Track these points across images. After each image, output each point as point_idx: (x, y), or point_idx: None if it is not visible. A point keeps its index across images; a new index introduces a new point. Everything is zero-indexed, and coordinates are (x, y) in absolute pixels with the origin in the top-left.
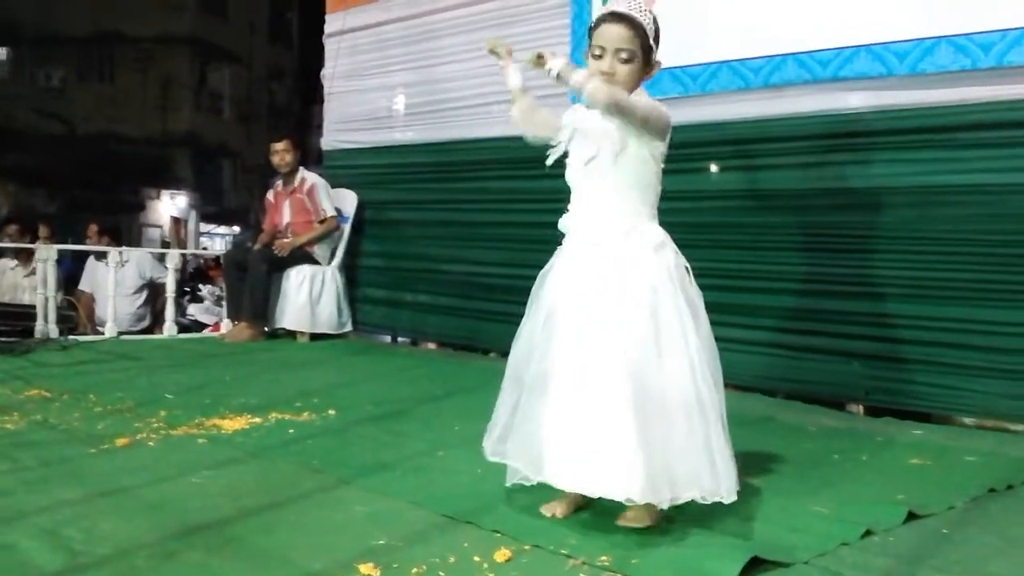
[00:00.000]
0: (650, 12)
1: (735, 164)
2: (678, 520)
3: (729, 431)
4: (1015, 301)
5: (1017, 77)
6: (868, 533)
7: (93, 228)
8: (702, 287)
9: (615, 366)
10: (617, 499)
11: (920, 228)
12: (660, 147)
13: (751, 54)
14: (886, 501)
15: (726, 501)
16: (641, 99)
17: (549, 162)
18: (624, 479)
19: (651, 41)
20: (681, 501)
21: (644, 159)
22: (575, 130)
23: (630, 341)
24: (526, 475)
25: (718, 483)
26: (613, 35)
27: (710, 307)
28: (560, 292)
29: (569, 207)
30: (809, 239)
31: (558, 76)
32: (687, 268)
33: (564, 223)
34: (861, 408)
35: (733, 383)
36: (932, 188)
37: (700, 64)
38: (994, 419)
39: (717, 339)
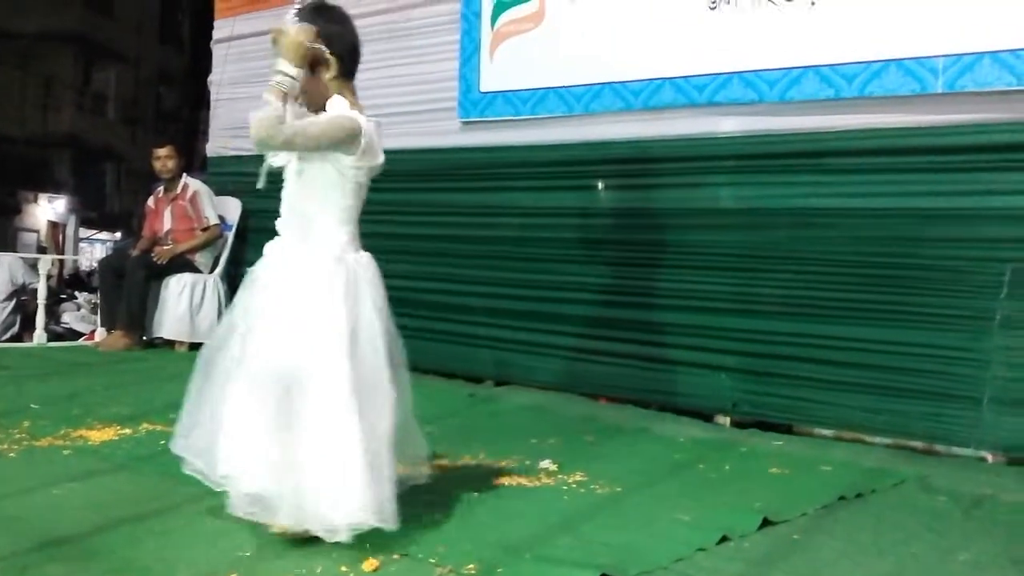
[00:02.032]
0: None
1: (617, 183)
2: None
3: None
4: (875, 320)
5: (876, 107)
6: (724, 539)
7: None
8: (582, 300)
9: (273, 374)
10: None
11: (791, 248)
12: (348, 160)
13: (632, 77)
14: (743, 508)
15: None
16: (315, 123)
17: (266, 164)
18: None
19: (310, 45)
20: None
21: (325, 172)
22: None
23: (291, 352)
24: (205, 475)
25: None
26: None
27: (586, 321)
28: (247, 293)
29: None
30: (685, 256)
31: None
32: (376, 286)
33: (277, 224)
34: (728, 420)
35: (609, 395)
36: (801, 210)
37: (584, 84)
38: (851, 431)
39: (598, 352)
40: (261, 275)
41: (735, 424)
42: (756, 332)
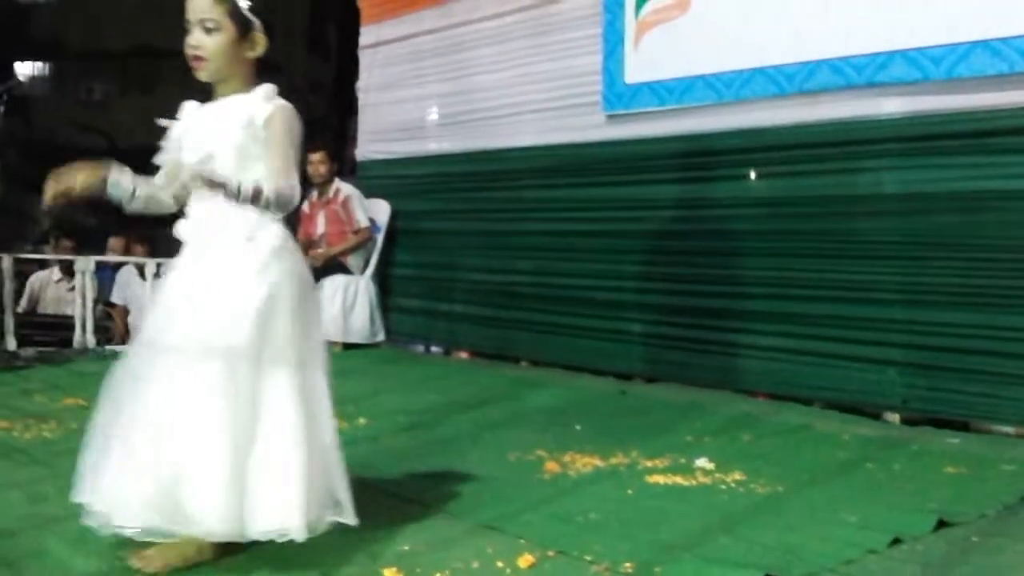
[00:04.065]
0: None
1: (771, 171)
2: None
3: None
4: None
5: None
6: (896, 541)
7: (118, 242)
8: (736, 294)
9: (189, 386)
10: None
11: (960, 234)
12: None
13: (785, 60)
14: (916, 509)
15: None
16: (273, 156)
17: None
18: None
19: (244, 10)
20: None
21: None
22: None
23: (225, 352)
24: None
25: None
26: (195, 5)
27: (741, 315)
28: (166, 293)
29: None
30: (845, 245)
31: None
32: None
33: (180, 229)
34: (898, 417)
35: (770, 391)
36: (971, 194)
37: (734, 71)
38: None
39: (755, 347)
40: (180, 273)
41: (905, 421)
42: (924, 324)
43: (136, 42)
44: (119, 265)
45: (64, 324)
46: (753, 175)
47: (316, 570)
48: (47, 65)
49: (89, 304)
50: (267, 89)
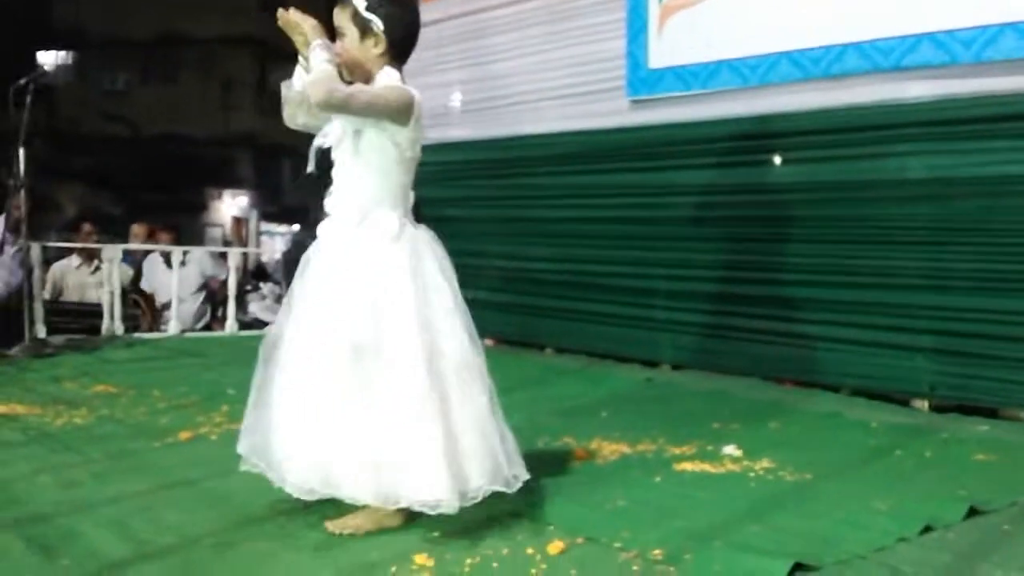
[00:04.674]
0: None
1: (796, 156)
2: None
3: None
4: None
5: None
6: (927, 529)
7: (140, 229)
8: (763, 280)
9: (341, 348)
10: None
11: (988, 219)
12: (403, 133)
13: (811, 44)
14: (947, 497)
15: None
16: (370, 88)
17: (315, 146)
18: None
19: (363, 12)
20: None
21: (383, 146)
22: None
23: (349, 334)
24: (264, 471)
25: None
26: (335, 17)
27: (767, 301)
28: (302, 279)
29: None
30: (871, 231)
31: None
32: (441, 260)
33: (326, 205)
34: (926, 404)
35: (797, 379)
36: (1001, 178)
37: (759, 55)
38: None
39: (782, 334)
40: (316, 262)
41: (934, 408)
42: (952, 310)
43: (159, 31)
44: (146, 253)
45: (91, 311)
46: (777, 160)
47: (344, 556)
48: (70, 55)
49: (117, 292)
50: (388, 72)
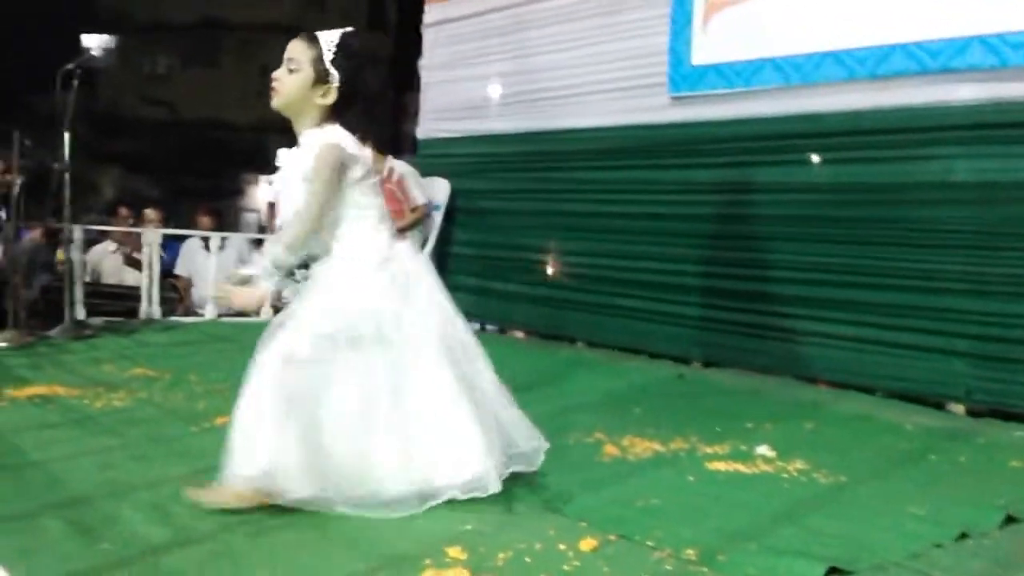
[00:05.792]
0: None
1: (837, 156)
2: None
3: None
4: None
5: None
6: (963, 535)
7: (205, 219)
8: (798, 280)
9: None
10: None
11: None
12: (357, 174)
13: (857, 44)
14: (983, 504)
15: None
16: (297, 213)
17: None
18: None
19: (327, 62)
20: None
21: (346, 198)
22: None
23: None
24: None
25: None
26: (289, 47)
27: (802, 301)
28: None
29: None
30: (911, 233)
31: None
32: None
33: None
34: (962, 408)
35: (829, 379)
36: None
37: (803, 54)
38: None
39: (816, 334)
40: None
41: (970, 412)
42: (991, 315)
43: (199, 15)
44: (177, 238)
45: (128, 295)
46: (816, 160)
47: (377, 548)
48: (112, 39)
49: (155, 275)
50: (329, 131)
